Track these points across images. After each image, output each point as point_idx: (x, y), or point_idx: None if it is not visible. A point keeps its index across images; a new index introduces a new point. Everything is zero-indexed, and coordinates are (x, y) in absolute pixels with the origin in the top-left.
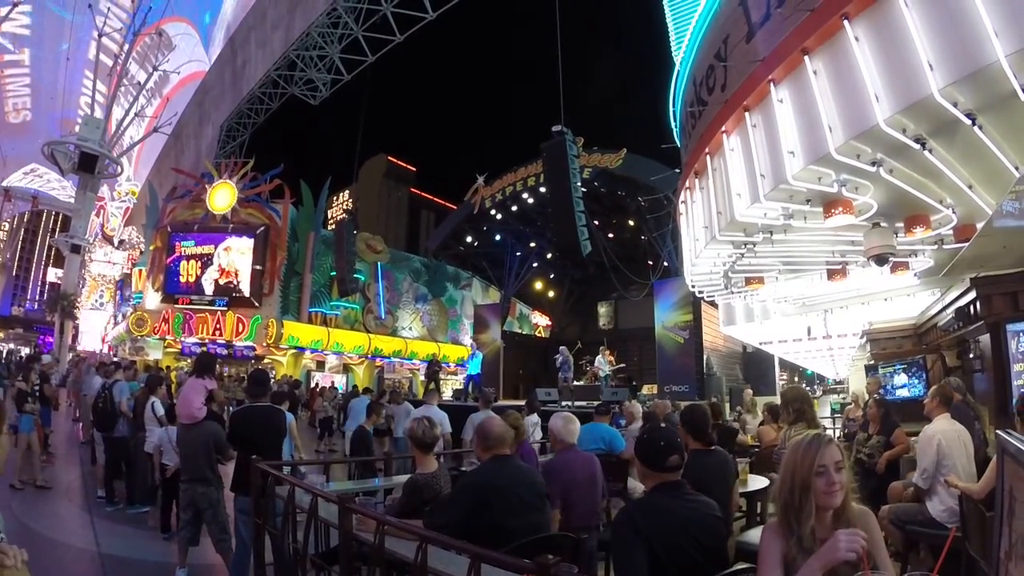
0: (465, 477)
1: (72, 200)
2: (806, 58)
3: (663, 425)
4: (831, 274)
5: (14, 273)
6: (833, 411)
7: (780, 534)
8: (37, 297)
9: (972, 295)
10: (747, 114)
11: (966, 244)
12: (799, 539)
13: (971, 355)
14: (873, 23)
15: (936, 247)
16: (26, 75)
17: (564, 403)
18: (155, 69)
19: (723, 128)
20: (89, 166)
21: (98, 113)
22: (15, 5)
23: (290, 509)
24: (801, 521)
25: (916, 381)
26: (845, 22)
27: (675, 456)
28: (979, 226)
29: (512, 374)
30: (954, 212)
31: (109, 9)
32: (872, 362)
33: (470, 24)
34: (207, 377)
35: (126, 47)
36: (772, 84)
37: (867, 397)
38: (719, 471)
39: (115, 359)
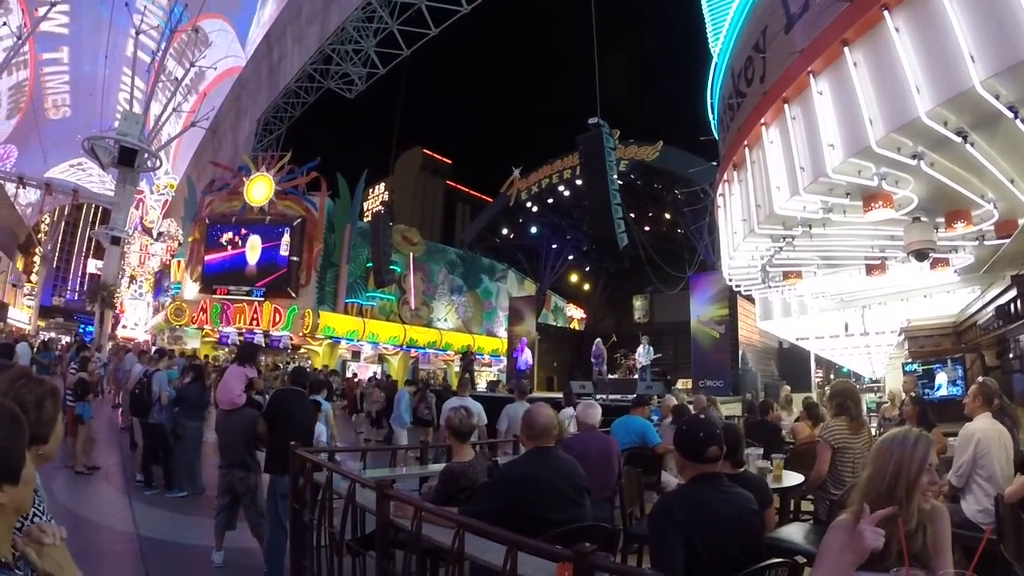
0: (503, 468)
1: (112, 193)
2: (846, 49)
3: (702, 416)
4: (870, 269)
5: (55, 264)
6: (869, 409)
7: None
8: (77, 288)
9: (1013, 293)
10: (786, 106)
11: (1007, 240)
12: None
13: (1011, 355)
14: (913, 13)
15: (977, 243)
16: (65, 72)
17: (599, 396)
18: (192, 65)
19: (762, 120)
20: (128, 160)
21: (136, 109)
22: (53, 4)
23: (327, 495)
24: (904, 518)
25: (955, 380)
26: (885, 13)
27: (714, 447)
28: (1021, 222)
29: (547, 366)
30: (995, 207)
31: (146, 7)
32: (909, 360)
33: (504, 17)
34: (248, 365)
35: (163, 44)
36: (811, 76)
37: (903, 396)
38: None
39: (154, 347)
